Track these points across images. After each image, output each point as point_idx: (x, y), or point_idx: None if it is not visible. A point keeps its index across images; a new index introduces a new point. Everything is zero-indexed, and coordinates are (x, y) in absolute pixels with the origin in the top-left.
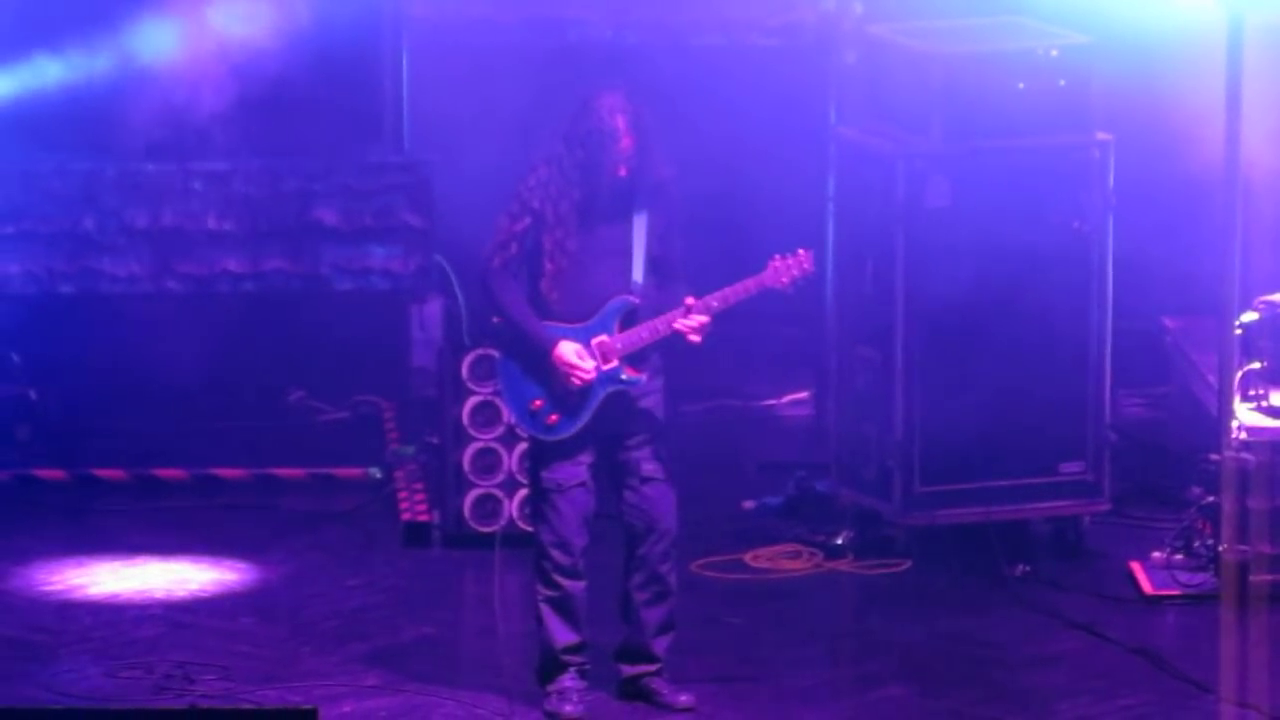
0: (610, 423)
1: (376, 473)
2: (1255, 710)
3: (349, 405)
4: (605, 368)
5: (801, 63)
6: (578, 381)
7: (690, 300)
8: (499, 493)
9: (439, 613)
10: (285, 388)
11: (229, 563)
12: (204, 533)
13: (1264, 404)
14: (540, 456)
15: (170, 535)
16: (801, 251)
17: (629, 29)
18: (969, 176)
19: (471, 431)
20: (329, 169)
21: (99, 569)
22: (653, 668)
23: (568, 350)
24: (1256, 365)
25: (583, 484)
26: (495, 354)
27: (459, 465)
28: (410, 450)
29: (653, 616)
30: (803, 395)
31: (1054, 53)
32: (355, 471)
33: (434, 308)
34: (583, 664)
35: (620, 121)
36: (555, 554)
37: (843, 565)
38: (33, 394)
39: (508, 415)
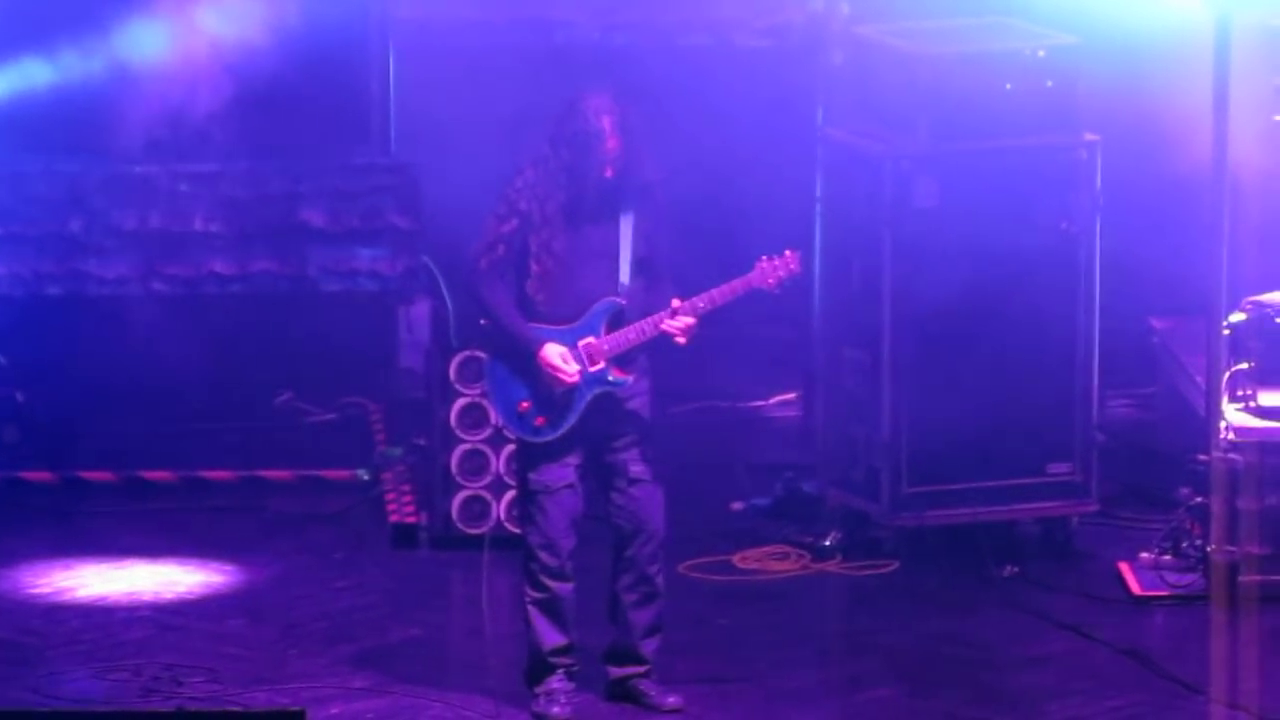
0: (598, 424)
1: (364, 474)
2: (1245, 711)
3: (337, 407)
4: (592, 370)
5: (789, 63)
6: (563, 384)
7: (677, 302)
8: (487, 494)
9: (427, 614)
10: (273, 389)
11: (217, 565)
12: (192, 535)
13: (1252, 405)
14: (528, 458)
15: (158, 537)
16: (788, 252)
17: (617, 30)
18: (956, 177)
19: (459, 433)
20: (316, 170)
21: (87, 571)
22: (641, 669)
23: (553, 352)
24: (1244, 366)
25: (570, 486)
26: (482, 356)
27: (447, 467)
28: (398, 452)
29: (641, 618)
30: (790, 396)
31: (1041, 53)
32: (343, 473)
33: (422, 309)
34: (571, 665)
35: (606, 123)
36: (543, 556)
37: (831, 566)
38: (20, 396)
39: (495, 417)
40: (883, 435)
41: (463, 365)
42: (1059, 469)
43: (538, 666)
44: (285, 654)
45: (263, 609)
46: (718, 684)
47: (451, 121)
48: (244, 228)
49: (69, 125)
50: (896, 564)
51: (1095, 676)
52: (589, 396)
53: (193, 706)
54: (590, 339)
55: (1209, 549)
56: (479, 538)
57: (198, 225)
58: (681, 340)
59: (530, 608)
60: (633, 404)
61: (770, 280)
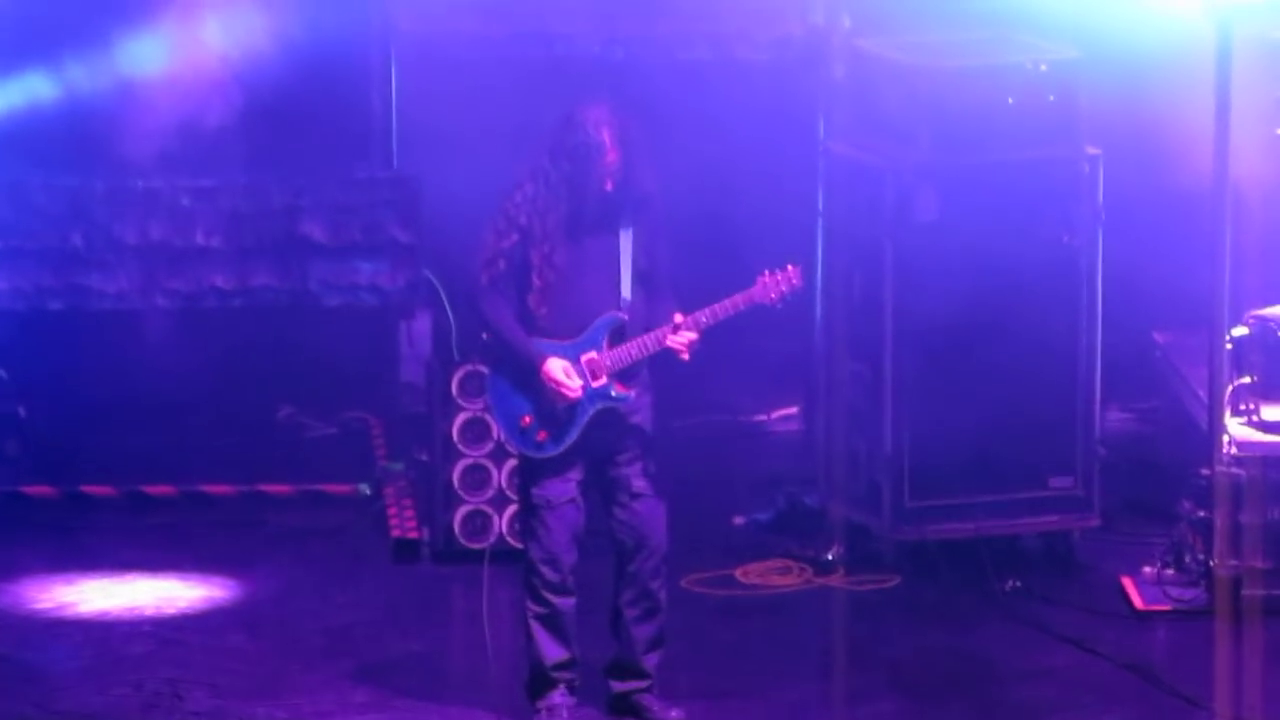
0: (600, 439)
1: (365, 489)
2: None
3: (338, 421)
4: (594, 385)
5: (790, 77)
6: (565, 399)
7: (679, 317)
8: (488, 509)
9: (428, 629)
10: (274, 404)
11: (218, 579)
12: (193, 549)
13: (1254, 419)
14: (530, 473)
15: (159, 552)
16: (790, 267)
17: (617, 43)
18: (958, 190)
19: (461, 447)
20: (317, 184)
21: (88, 586)
22: (643, 684)
23: (556, 368)
24: (1247, 380)
25: (572, 500)
26: (484, 370)
27: (448, 481)
28: (399, 466)
29: (643, 632)
30: (792, 410)
31: (1043, 67)
32: (344, 488)
33: (423, 323)
34: (572, 680)
35: (606, 135)
36: (544, 570)
37: (833, 580)
38: (21, 410)
39: (497, 432)
40: (884, 449)
41: (464, 379)
42: (1061, 482)
43: (539, 681)
44: (286, 668)
45: (263, 623)
46: (719, 698)
47: (452, 135)
48: (245, 242)
49: (70, 139)
50: (898, 578)
51: (1097, 690)
52: (591, 411)
53: None
54: (593, 354)
55: (1212, 563)
56: (480, 552)
57: (199, 239)
58: (684, 355)
59: (532, 622)
60: (635, 419)
61: (772, 295)
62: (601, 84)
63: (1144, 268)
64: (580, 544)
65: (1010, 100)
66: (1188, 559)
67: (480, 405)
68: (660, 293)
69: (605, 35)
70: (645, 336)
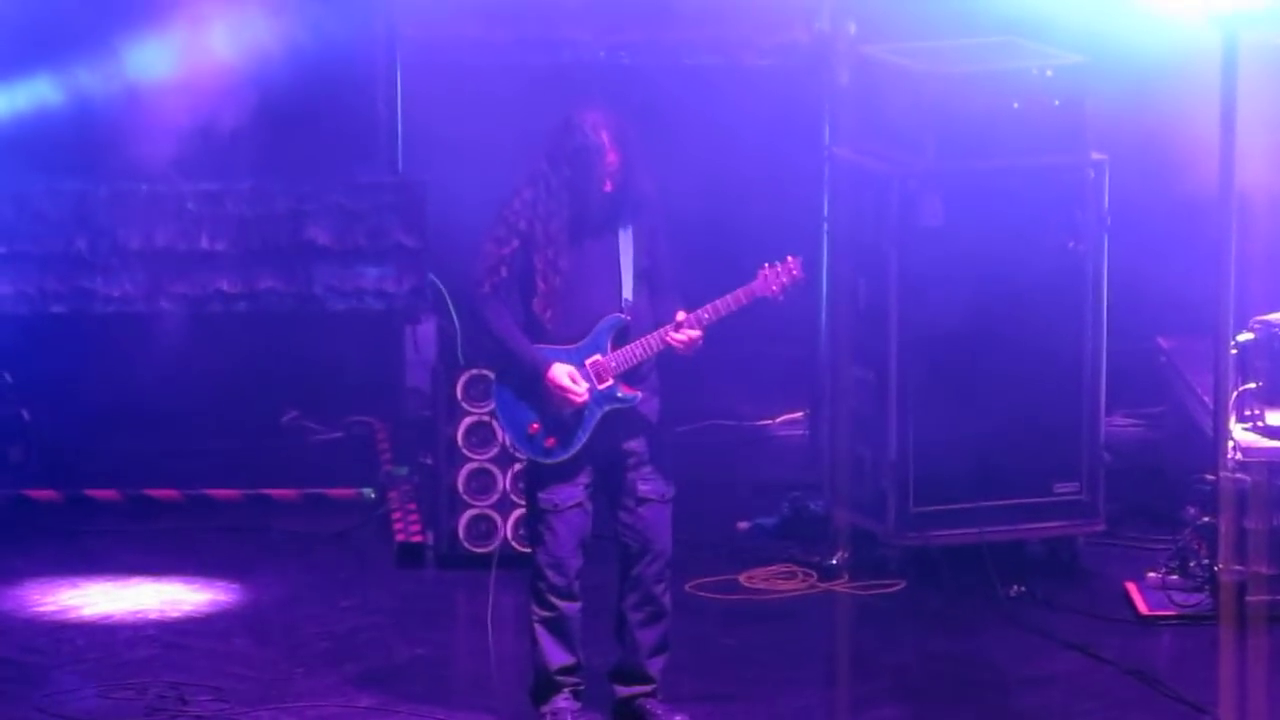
0: (608, 443)
1: (370, 493)
2: None
3: (343, 426)
4: (600, 387)
5: (796, 83)
6: (572, 404)
7: (682, 315)
8: (493, 513)
9: (433, 634)
10: (279, 408)
11: (222, 583)
12: (197, 553)
13: (1260, 424)
14: (538, 477)
15: (163, 556)
16: (791, 259)
17: (623, 49)
18: (963, 196)
19: (466, 452)
20: (322, 189)
21: (92, 590)
22: (647, 689)
23: (561, 373)
24: (1252, 385)
25: (579, 505)
26: (489, 374)
27: (453, 486)
28: (404, 471)
29: (647, 637)
30: (797, 415)
31: (1049, 73)
32: (349, 492)
33: (428, 328)
34: (577, 685)
35: (605, 137)
36: (550, 575)
37: (837, 586)
38: (25, 414)
39: (502, 436)
40: (889, 454)
41: (469, 384)
42: (1066, 488)
43: (544, 686)
44: (291, 673)
45: (268, 628)
46: (724, 703)
47: (457, 140)
48: (250, 246)
49: (78, 144)
50: (903, 583)
51: (1102, 697)
52: (599, 414)
53: None
54: (597, 356)
55: (1216, 569)
56: (485, 556)
57: (204, 243)
58: (687, 353)
59: (537, 626)
60: (643, 423)
61: (774, 287)
62: (603, 89)
63: (1149, 273)
64: (586, 549)
65: (1016, 106)
66: (1192, 565)
67: (485, 409)
68: (665, 292)
69: (610, 41)
70: (649, 336)
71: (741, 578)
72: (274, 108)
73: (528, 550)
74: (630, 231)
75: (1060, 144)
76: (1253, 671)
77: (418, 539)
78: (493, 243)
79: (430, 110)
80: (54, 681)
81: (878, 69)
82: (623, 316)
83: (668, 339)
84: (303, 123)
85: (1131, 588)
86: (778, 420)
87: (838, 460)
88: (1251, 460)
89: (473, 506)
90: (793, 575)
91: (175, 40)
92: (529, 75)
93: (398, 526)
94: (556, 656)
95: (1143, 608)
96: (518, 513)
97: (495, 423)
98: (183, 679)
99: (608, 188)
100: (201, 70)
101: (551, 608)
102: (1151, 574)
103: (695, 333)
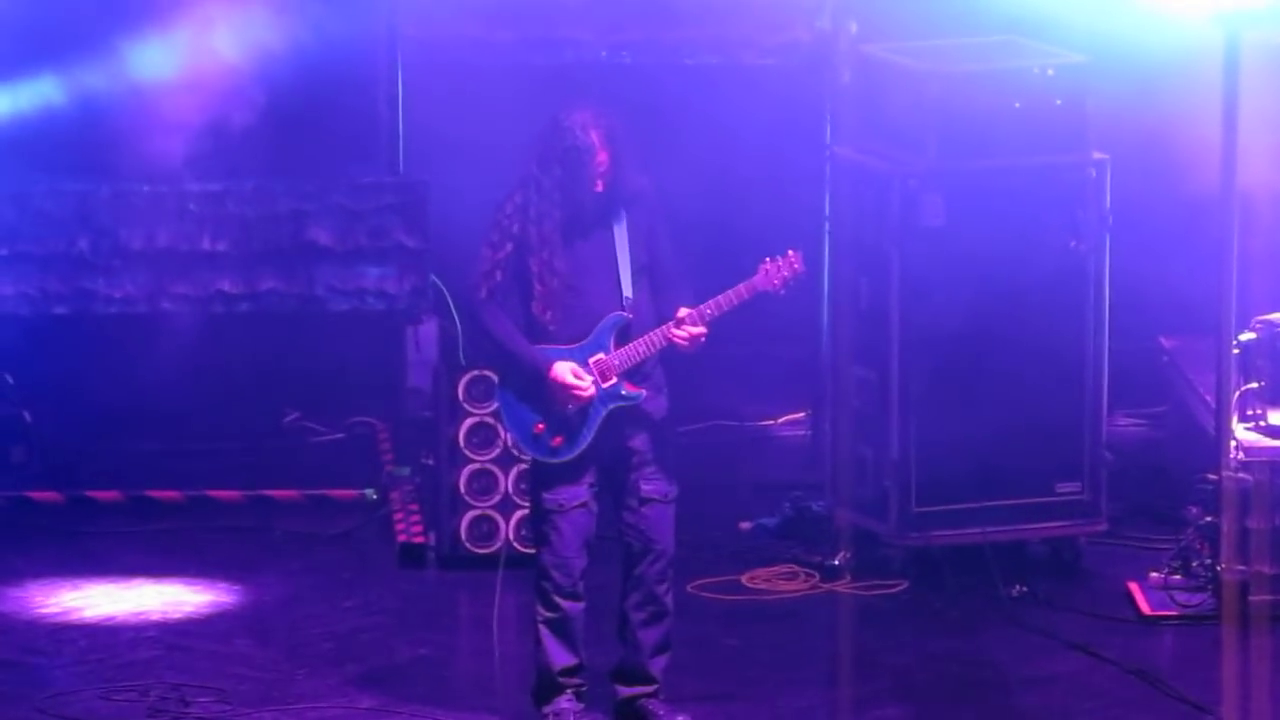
0: (613, 441)
1: (372, 494)
2: None
3: (344, 426)
4: (605, 385)
5: (797, 82)
6: (577, 401)
7: (683, 311)
8: (495, 514)
9: (435, 634)
10: (280, 409)
11: (224, 584)
12: (199, 554)
13: (1262, 424)
14: (542, 477)
15: (165, 557)
16: (791, 252)
17: (624, 49)
18: (965, 195)
19: (467, 452)
20: (323, 189)
21: (94, 591)
22: (649, 689)
23: (564, 370)
24: (1254, 385)
25: (584, 505)
26: (491, 375)
27: (455, 486)
28: (406, 471)
29: (649, 637)
30: (799, 415)
31: (1050, 72)
32: (350, 493)
33: (429, 328)
34: (580, 686)
35: (594, 136)
36: (556, 575)
37: (839, 586)
38: (27, 415)
39: (504, 436)
40: (891, 454)
41: (471, 384)
42: (1068, 488)
43: (547, 686)
44: (293, 674)
45: (270, 629)
46: (726, 703)
47: (459, 140)
48: (252, 247)
49: (80, 144)
50: (905, 584)
51: (1104, 696)
52: (604, 412)
53: None
54: (600, 355)
55: (1219, 568)
56: (487, 557)
57: (205, 244)
58: (690, 349)
59: (541, 627)
60: (647, 421)
61: (775, 281)
62: (604, 89)
63: (1151, 273)
64: (590, 549)
65: (1017, 105)
66: (1195, 564)
67: (487, 410)
68: (670, 286)
69: (612, 41)
70: (652, 333)
71: (744, 578)
72: (275, 108)
73: (531, 551)
74: (626, 229)
75: (1062, 143)
76: (1255, 671)
77: (419, 540)
78: (488, 248)
79: (432, 110)
80: (55, 683)
81: (879, 68)
82: (624, 314)
83: (670, 335)
84: (304, 123)
85: (1134, 587)
86: (780, 420)
87: (840, 460)
88: (1254, 460)
89: (474, 507)
90: (795, 575)
91: (177, 41)
92: (530, 75)
93: (399, 527)
94: (559, 657)
95: (1145, 608)
96: (520, 513)
97: (498, 424)
98: (184, 680)
99: (599, 188)
100: (203, 71)
101: (556, 608)
102: (1154, 574)
103: (698, 329)
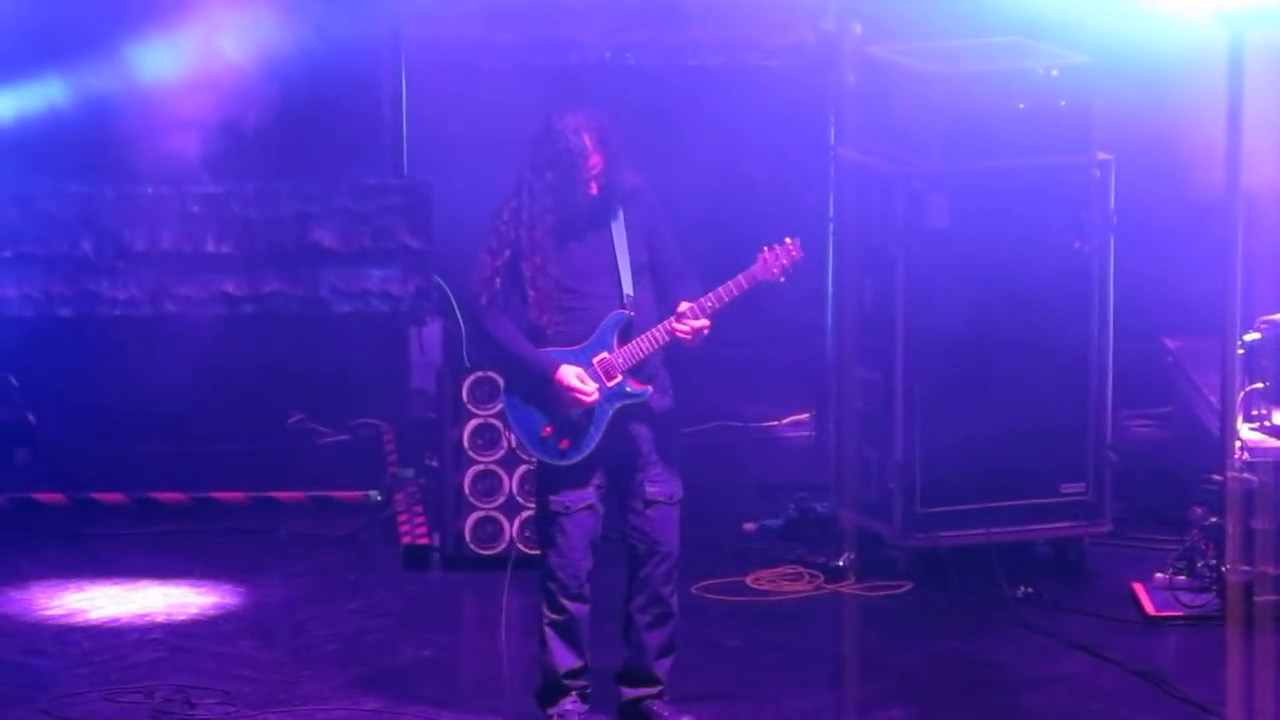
0: (619, 442)
1: (376, 495)
2: None
3: (348, 428)
4: (609, 385)
5: (801, 83)
6: (583, 403)
7: (684, 305)
8: (499, 515)
9: (439, 636)
10: (284, 411)
11: (228, 586)
12: (203, 556)
13: (1267, 424)
14: (549, 480)
15: (169, 559)
16: (789, 240)
17: (628, 50)
18: (969, 196)
19: (472, 454)
20: (327, 191)
21: (98, 593)
22: (654, 690)
23: (569, 373)
24: (1259, 385)
25: (590, 507)
26: (495, 376)
27: (459, 488)
28: (410, 473)
29: (654, 639)
30: (803, 416)
31: (1054, 73)
32: (355, 494)
33: (433, 330)
34: (584, 687)
35: (587, 139)
36: (562, 577)
37: (844, 587)
38: (31, 417)
39: (508, 437)
40: (895, 455)
41: (475, 386)
42: (1072, 489)
43: (551, 688)
44: (297, 675)
45: (274, 630)
46: (730, 704)
47: (463, 141)
48: (255, 248)
49: (84, 147)
50: (910, 584)
51: (1109, 697)
52: (610, 412)
53: None
54: (604, 354)
55: (1224, 569)
56: (491, 559)
57: (209, 246)
58: (694, 342)
59: (547, 629)
60: (653, 422)
61: (774, 270)
62: (608, 90)
63: (1156, 273)
64: (596, 551)
65: (1022, 106)
66: (1199, 565)
67: (491, 411)
68: (675, 281)
69: (616, 42)
70: (654, 330)
71: (748, 579)
72: (279, 110)
73: (536, 552)
74: (624, 228)
75: (1066, 144)
76: (1260, 672)
77: (424, 541)
78: (487, 254)
79: (436, 112)
80: (60, 684)
81: (883, 69)
82: (626, 313)
83: (673, 330)
84: (308, 125)
85: (1138, 588)
86: (784, 421)
87: (844, 461)
88: (1258, 460)
89: (479, 508)
90: (799, 576)
91: (181, 42)
92: (534, 76)
93: (404, 529)
94: (565, 659)
95: (1150, 608)
96: (524, 515)
97: (503, 426)
98: (189, 682)
99: (594, 190)
100: (207, 73)
101: (562, 610)
102: (1158, 574)
103: (700, 322)
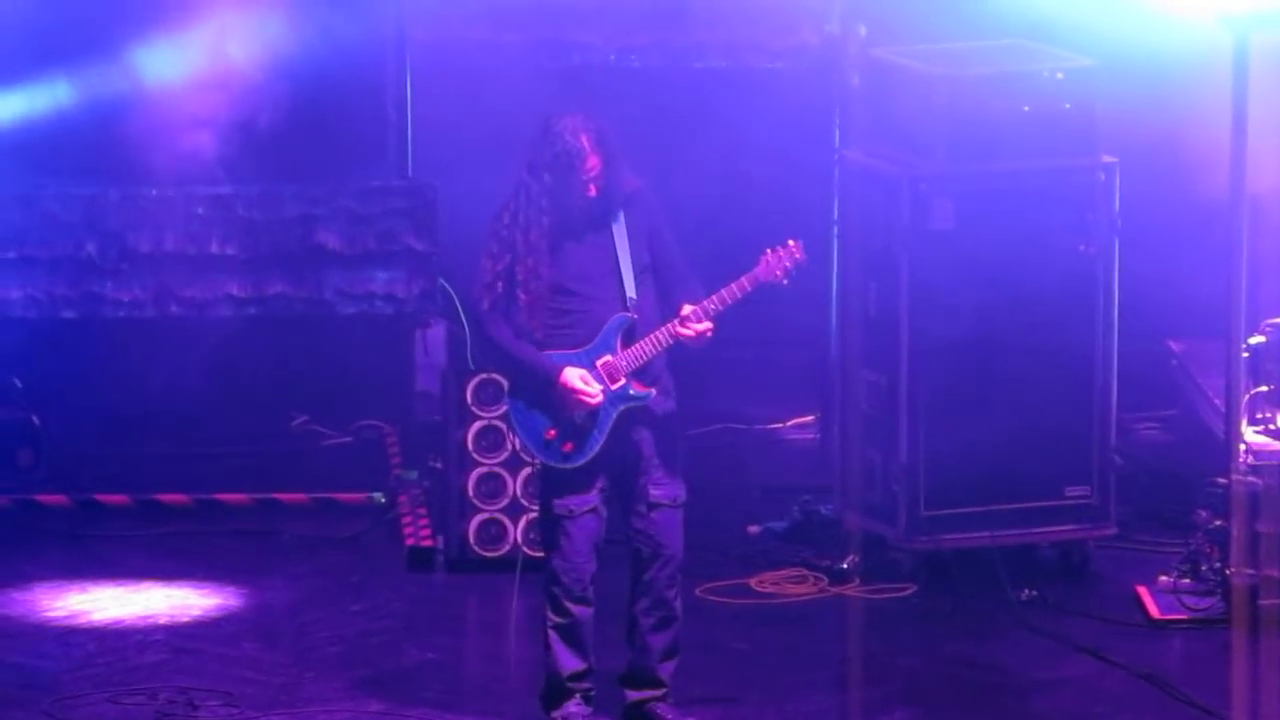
0: (623, 445)
1: (380, 498)
2: None
3: (352, 430)
4: (613, 387)
5: (806, 86)
6: (586, 406)
7: (687, 308)
8: (503, 517)
9: (443, 638)
10: (288, 413)
11: (232, 588)
12: (207, 558)
13: (1271, 427)
14: (553, 483)
15: (173, 560)
16: (792, 242)
17: (633, 52)
18: (974, 199)
19: (475, 456)
20: (332, 193)
21: (101, 594)
22: (658, 693)
23: (573, 376)
24: (1264, 388)
25: (594, 510)
26: (499, 378)
27: (463, 490)
28: (414, 475)
29: (658, 641)
30: (808, 419)
31: (1059, 75)
32: (358, 496)
33: (438, 332)
34: (588, 690)
35: (585, 141)
36: (565, 580)
37: (848, 590)
38: (35, 419)
39: (512, 440)
40: (900, 458)
41: (479, 388)
42: (1077, 492)
43: (555, 691)
44: (300, 678)
45: (278, 632)
46: (734, 707)
47: (467, 143)
48: (260, 250)
49: (88, 148)
50: (914, 587)
51: (1113, 700)
52: (614, 415)
53: None
54: (607, 357)
55: (1228, 572)
56: (496, 561)
57: (213, 248)
58: (697, 344)
59: (551, 632)
60: (657, 425)
61: (777, 271)
62: (613, 93)
63: (1160, 276)
64: (600, 554)
65: (1026, 109)
66: (1204, 568)
67: (495, 413)
68: (678, 283)
69: (620, 45)
70: (658, 332)
71: (752, 582)
72: (284, 112)
73: (540, 555)
74: (625, 230)
75: (1071, 147)
76: (1265, 675)
77: (427, 543)
78: (488, 259)
79: (440, 114)
80: (63, 686)
81: (888, 72)
82: (629, 315)
83: (676, 332)
84: (313, 127)
85: (1143, 591)
86: (788, 424)
87: (848, 464)
88: (1263, 463)
89: (483, 511)
90: (803, 579)
91: (186, 45)
92: (539, 78)
93: (407, 531)
94: (569, 662)
95: (1154, 611)
96: (528, 517)
97: (507, 428)
98: (192, 684)
99: (592, 192)
100: (212, 75)
101: (566, 613)
102: (1163, 578)
103: (704, 324)
